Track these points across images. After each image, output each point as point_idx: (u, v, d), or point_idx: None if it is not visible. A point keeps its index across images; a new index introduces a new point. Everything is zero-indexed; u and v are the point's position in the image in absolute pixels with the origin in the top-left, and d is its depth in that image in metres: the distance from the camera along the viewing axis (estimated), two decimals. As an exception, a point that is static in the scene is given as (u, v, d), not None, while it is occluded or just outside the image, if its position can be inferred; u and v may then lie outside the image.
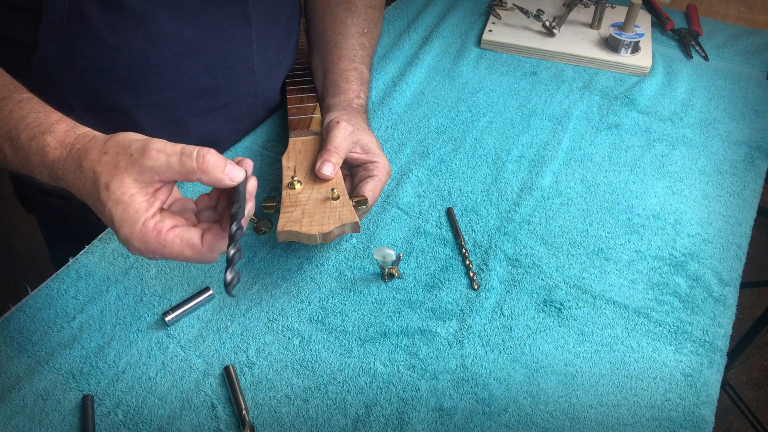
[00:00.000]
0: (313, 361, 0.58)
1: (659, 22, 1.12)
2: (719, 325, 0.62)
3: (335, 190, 0.61)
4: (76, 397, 0.54)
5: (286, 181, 0.63)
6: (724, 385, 1.45)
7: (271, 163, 0.78)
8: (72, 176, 0.47)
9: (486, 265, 0.67)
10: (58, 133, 0.48)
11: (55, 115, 0.49)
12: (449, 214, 0.72)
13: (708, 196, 0.77)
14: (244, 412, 0.53)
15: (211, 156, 0.45)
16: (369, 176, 0.66)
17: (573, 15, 1.10)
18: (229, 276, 0.46)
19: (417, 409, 0.55)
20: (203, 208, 0.51)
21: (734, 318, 0.63)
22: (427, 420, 0.54)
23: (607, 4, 1.08)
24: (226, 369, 0.56)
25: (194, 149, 0.45)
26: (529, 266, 0.67)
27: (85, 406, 0.53)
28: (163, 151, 0.45)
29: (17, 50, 0.59)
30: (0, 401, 0.53)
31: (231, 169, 0.46)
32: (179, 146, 0.45)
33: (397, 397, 0.55)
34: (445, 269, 0.66)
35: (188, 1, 0.63)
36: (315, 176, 0.64)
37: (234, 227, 0.46)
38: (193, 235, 0.46)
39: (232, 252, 0.46)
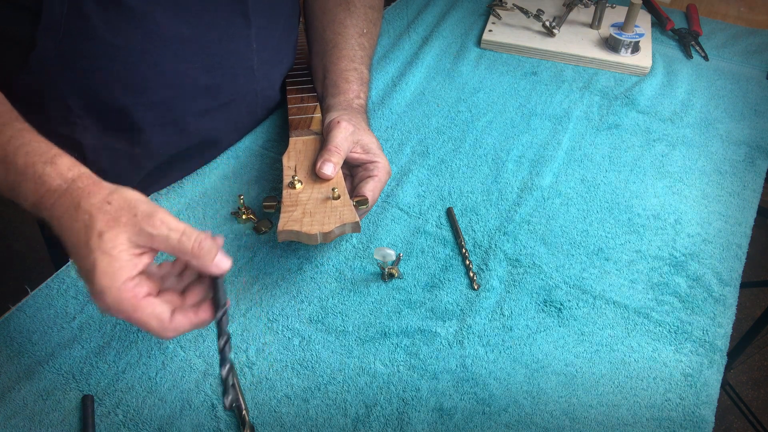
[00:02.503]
0: (313, 361, 0.58)
1: (659, 22, 1.12)
2: (719, 325, 0.62)
3: (336, 190, 0.61)
4: (76, 397, 0.54)
5: (286, 180, 0.63)
6: (724, 385, 1.45)
7: (272, 163, 0.78)
8: (61, 210, 0.47)
9: (486, 265, 0.67)
10: (60, 165, 0.48)
11: (57, 149, 0.50)
12: (449, 214, 0.72)
13: (708, 196, 0.77)
14: (244, 412, 0.53)
15: (206, 242, 0.47)
16: (369, 176, 0.66)
17: (573, 15, 1.10)
18: (228, 399, 0.47)
19: (417, 409, 0.55)
20: (165, 274, 0.51)
21: (734, 318, 0.63)
22: (427, 420, 0.54)
23: (607, 4, 1.08)
24: None
25: (194, 233, 0.47)
26: (529, 266, 0.67)
27: (85, 406, 0.53)
28: (166, 224, 0.46)
29: (16, 49, 0.59)
30: (0, 401, 0.53)
31: (220, 259, 0.48)
32: (182, 225, 0.47)
33: (397, 397, 0.55)
34: (445, 269, 0.66)
35: (188, 0, 0.63)
36: (315, 176, 0.64)
37: (222, 342, 0.48)
38: (164, 310, 0.47)
39: (225, 372, 0.47)
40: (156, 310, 0.46)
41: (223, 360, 0.48)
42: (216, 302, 0.49)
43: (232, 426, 0.53)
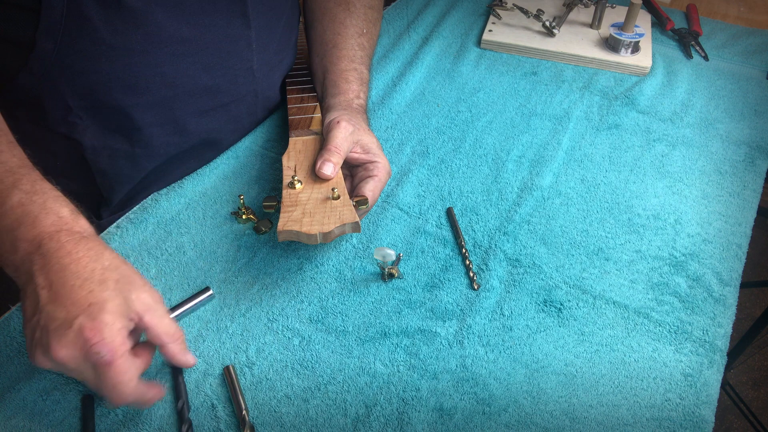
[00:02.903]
0: (313, 361, 0.58)
1: (659, 22, 1.12)
2: (719, 325, 0.62)
3: (336, 190, 0.61)
4: (76, 397, 0.54)
5: (286, 180, 0.63)
6: (724, 385, 1.45)
7: (271, 163, 0.78)
8: (79, 248, 0.49)
9: (486, 265, 0.67)
10: (82, 218, 0.52)
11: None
12: (449, 214, 0.72)
13: (708, 196, 0.77)
14: (244, 412, 0.53)
15: (183, 338, 0.52)
16: (369, 176, 0.66)
17: (573, 15, 1.10)
18: None
19: (417, 409, 0.55)
20: None
21: (734, 318, 0.63)
22: (427, 420, 0.54)
23: (607, 4, 1.08)
24: (227, 369, 0.56)
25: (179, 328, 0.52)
26: (529, 266, 0.67)
27: (85, 406, 0.53)
28: (164, 306, 0.51)
29: (15, 50, 0.59)
30: (0, 401, 0.53)
31: (190, 356, 0.53)
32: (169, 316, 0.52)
33: (397, 397, 0.55)
34: (445, 269, 0.66)
35: (187, 0, 0.63)
36: (315, 176, 0.64)
37: (185, 428, 0.51)
38: (136, 370, 0.49)
39: None
40: (133, 365, 0.48)
41: None
42: (177, 391, 0.54)
43: (232, 426, 0.53)
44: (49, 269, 0.47)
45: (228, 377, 0.56)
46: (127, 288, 0.48)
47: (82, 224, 0.52)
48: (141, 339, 0.52)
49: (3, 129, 0.55)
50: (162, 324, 0.50)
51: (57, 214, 0.50)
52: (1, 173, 0.51)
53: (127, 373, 0.47)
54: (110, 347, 0.45)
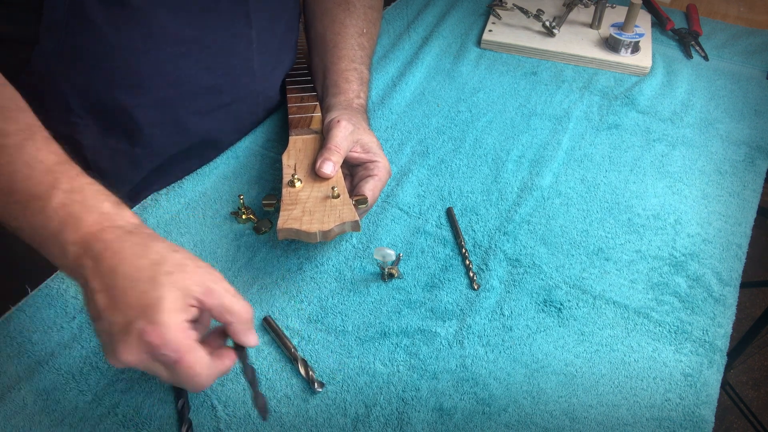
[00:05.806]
0: (312, 361, 0.58)
1: (659, 22, 1.12)
2: (719, 325, 0.62)
3: (335, 189, 0.61)
4: (77, 397, 0.54)
5: (286, 179, 0.63)
6: (724, 385, 1.45)
7: (271, 163, 0.78)
8: (126, 245, 0.47)
9: (486, 265, 0.67)
10: (125, 210, 0.51)
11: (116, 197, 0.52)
12: (449, 214, 0.72)
13: (708, 196, 0.77)
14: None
15: (251, 311, 0.50)
16: (369, 176, 0.66)
17: (573, 15, 1.10)
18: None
19: (417, 409, 0.55)
20: None
21: (734, 318, 0.63)
22: (427, 420, 0.54)
23: (607, 4, 1.08)
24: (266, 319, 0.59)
25: (242, 298, 0.49)
26: (529, 266, 0.67)
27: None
28: (223, 283, 0.49)
29: (17, 48, 0.59)
30: (0, 401, 0.53)
31: (251, 336, 0.50)
32: (233, 289, 0.49)
33: (397, 397, 0.55)
34: (445, 269, 0.66)
35: (190, 0, 0.63)
36: (315, 174, 0.64)
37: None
38: (207, 356, 0.47)
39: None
40: (203, 354, 0.46)
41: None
42: (177, 391, 0.54)
43: (232, 426, 0.53)
44: (102, 272, 0.46)
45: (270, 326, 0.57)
46: (181, 277, 0.46)
47: (126, 216, 0.50)
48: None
49: (37, 125, 0.52)
50: (222, 303, 0.48)
51: (99, 210, 0.49)
52: (39, 173, 0.49)
53: (196, 366, 0.46)
54: (174, 347, 0.44)
